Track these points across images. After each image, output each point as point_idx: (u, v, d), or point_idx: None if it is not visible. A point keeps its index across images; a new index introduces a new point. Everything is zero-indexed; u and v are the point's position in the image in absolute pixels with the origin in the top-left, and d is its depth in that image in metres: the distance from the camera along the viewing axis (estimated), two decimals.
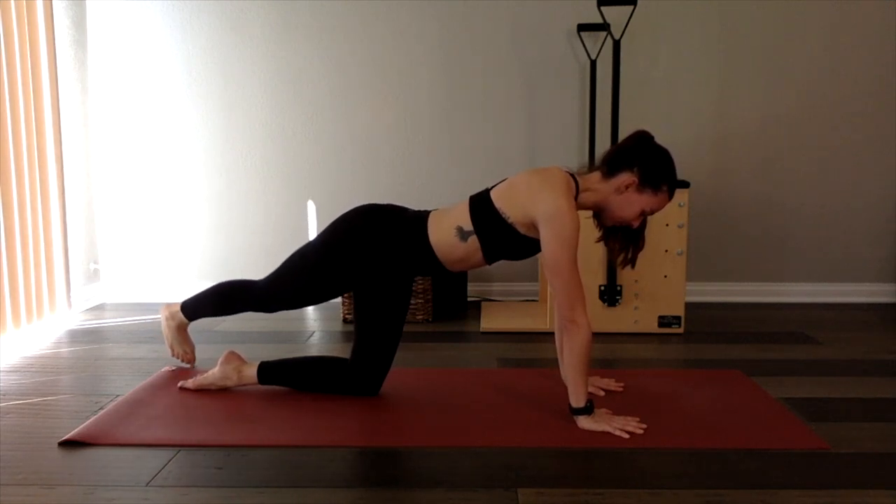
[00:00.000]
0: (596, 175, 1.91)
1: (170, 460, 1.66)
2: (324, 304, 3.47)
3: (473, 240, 1.90)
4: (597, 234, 2.02)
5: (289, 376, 2.11)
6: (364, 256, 1.95)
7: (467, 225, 1.90)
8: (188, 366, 2.37)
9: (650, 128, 1.95)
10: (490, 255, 1.94)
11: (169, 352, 2.35)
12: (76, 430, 1.80)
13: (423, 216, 1.97)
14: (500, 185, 1.94)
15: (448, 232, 1.92)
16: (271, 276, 2.09)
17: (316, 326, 3.04)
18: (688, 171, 2.89)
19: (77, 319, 3.17)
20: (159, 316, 2.39)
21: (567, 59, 3.41)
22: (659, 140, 1.92)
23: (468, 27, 3.41)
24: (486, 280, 3.56)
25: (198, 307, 2.23)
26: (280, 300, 2.07)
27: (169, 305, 2.30)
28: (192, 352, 2.37)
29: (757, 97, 3.41)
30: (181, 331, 2.31)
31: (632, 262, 1.97)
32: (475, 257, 1.94)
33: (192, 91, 3.48)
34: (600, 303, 2.82)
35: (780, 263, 3.53)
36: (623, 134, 2.11)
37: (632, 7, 2.86)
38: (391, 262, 1.96)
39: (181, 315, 2.25)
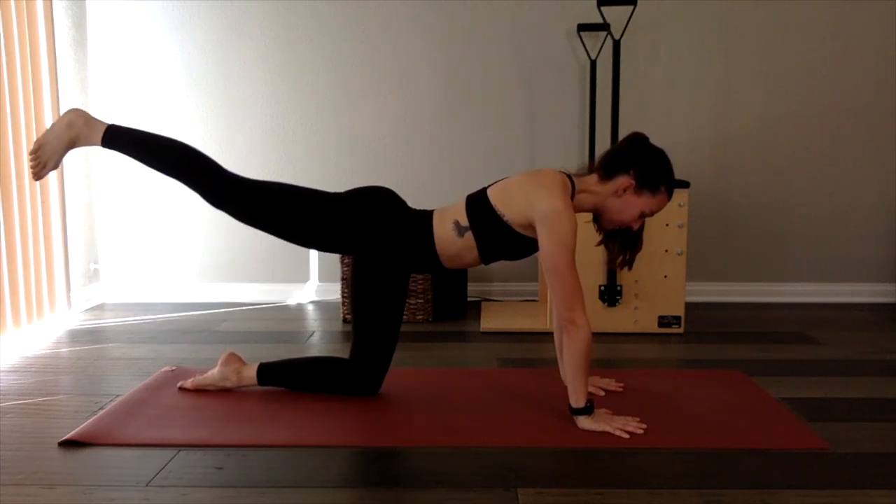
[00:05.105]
0: (593, 178, 1.92)
1: (170, 460, 1.66)
2: (323, 303, 3.49)
3: (469, 236, 1.91)
4: (597, 237, 2.02)
5: (288, 377, 2.10)
6: (372, 229, 1.94)
7: (464, 220, 1.92)
8: (38, 179, 1.98)
9: (650, 128, 1.96)
10: (486, 253, 1.94)
11: (34, 150, 1.92)
12: (76, 430, 1.80)
13: (427, 213, 2.00)
14: (496, 183, 1.96)
15: (447, 227, 1.93)
16: (249, 182, 1.97)
17: (316, 326, 3.04)
18: (688, 171, 2.88)
19: (77, 319, 3.17)
20: (63, 122, 1.91)
21: (567, 59, 3.41)
22: (659, 140, 1.92)
23: (468, 27, 3.41)
24: (486, 280, 3.56)
25: (131, 141, 1.93)
26: (245, 207, 1.94)
27: (85, 114, 1.92)
28: (54, 170, 1.96)
29: (757, 97, 3.41)
30: (71, 146, 1.93)
31: (629, 263, 1.98)
32: (471, 255, 1.95)
33: (192, 91, 3.48)
34: (600, 303, 2.82)
35: (780, 263, 3.53)
36: (623, 134, 2.11)
37: (632, 7, 2.86)
38: (394, 248, 1.96)
39: (97, 136, 1.90)
